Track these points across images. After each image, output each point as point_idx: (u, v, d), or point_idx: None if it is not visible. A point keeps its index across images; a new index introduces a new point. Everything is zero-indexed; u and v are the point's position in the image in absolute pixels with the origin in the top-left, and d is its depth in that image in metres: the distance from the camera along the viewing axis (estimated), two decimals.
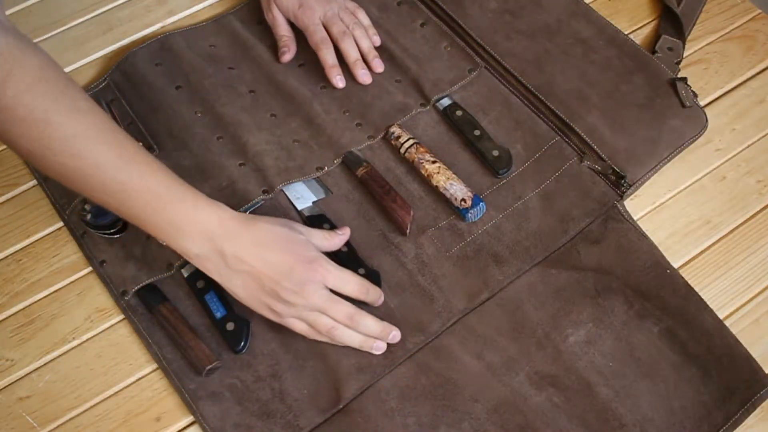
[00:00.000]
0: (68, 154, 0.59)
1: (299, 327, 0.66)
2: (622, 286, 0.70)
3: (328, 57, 0.82)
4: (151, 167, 0.62)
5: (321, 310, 0.66)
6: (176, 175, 0.64)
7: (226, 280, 0.65)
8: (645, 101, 0.79)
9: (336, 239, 0.70)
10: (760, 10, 0.88)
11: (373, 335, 0.67)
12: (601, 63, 0.82)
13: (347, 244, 0.73)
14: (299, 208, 0.75)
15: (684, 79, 0.79)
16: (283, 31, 0.84)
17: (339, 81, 0.82)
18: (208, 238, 0.63)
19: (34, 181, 0.78)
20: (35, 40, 0.87)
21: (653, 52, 0.83)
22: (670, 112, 0.78)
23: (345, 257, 0.72)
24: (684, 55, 0.84)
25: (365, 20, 0.86)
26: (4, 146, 0.80)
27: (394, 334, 0.68)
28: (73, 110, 0.59)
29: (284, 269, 0.64)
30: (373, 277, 0.71)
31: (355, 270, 0.70)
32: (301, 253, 0.65)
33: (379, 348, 0.67)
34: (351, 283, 0.67)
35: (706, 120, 0.78)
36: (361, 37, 0.83)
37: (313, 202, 0.76)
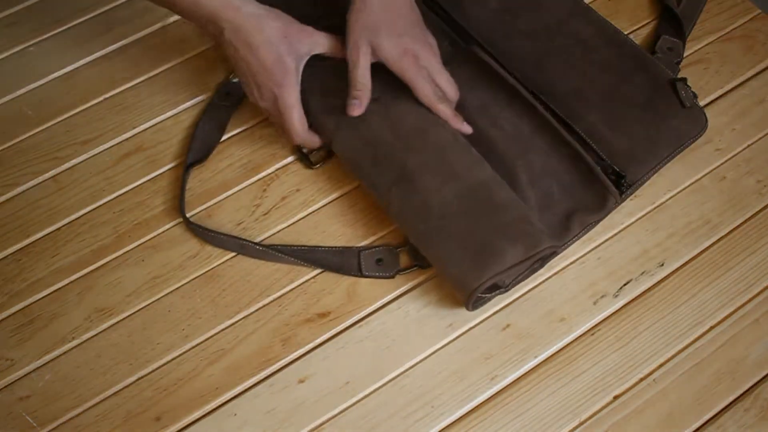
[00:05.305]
0: None
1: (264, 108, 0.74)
2: None
3: (448, 110, 0.75)
4: None
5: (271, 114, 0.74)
6: None
7: (233, 62, 0.72)
8: (645, 101, 0.79)
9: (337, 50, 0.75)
10: (760, 10, 0.88)
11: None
12: (601, 63, 0.82)
13: None
14: None
15: (684, 80, 0.79)
16: (363, 79, 0.74)
17: (467, 128, 0.76)
18: (216, 24, 0.71)
19: (34, 181, 0.78)
20: (35, 40, 0.88)
21: (653, 52, 0.83)
22: (670, 112, 0.78)
23: None
24: (684, 55, 0.84)
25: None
26: (4, 146, 0.81)
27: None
28: None
29: (254, 71, 0.71)
30: None
31: None
32: (271, 70, 0.71)
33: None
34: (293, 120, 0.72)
35: (706, 120, 0.78)
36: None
37: None
